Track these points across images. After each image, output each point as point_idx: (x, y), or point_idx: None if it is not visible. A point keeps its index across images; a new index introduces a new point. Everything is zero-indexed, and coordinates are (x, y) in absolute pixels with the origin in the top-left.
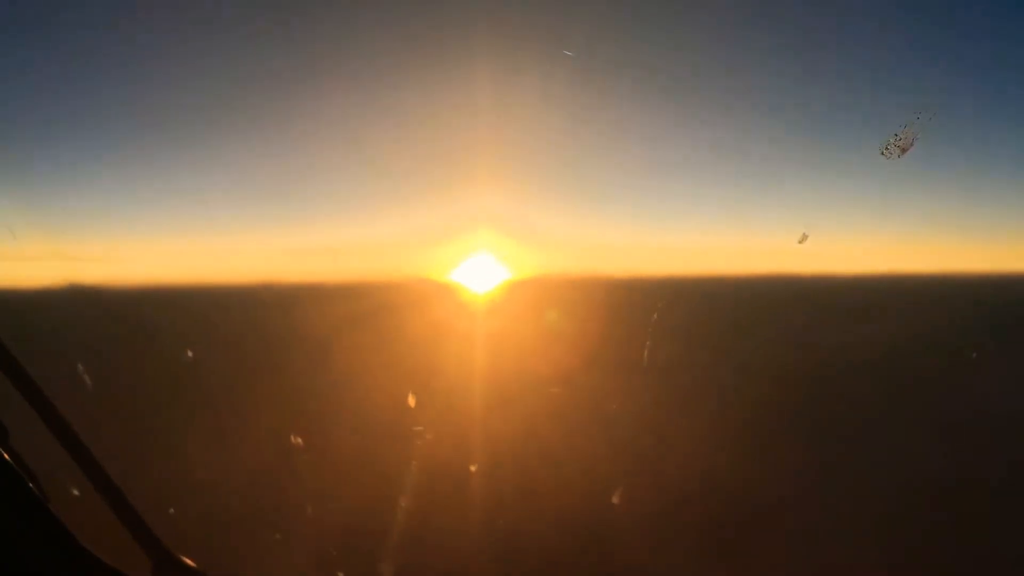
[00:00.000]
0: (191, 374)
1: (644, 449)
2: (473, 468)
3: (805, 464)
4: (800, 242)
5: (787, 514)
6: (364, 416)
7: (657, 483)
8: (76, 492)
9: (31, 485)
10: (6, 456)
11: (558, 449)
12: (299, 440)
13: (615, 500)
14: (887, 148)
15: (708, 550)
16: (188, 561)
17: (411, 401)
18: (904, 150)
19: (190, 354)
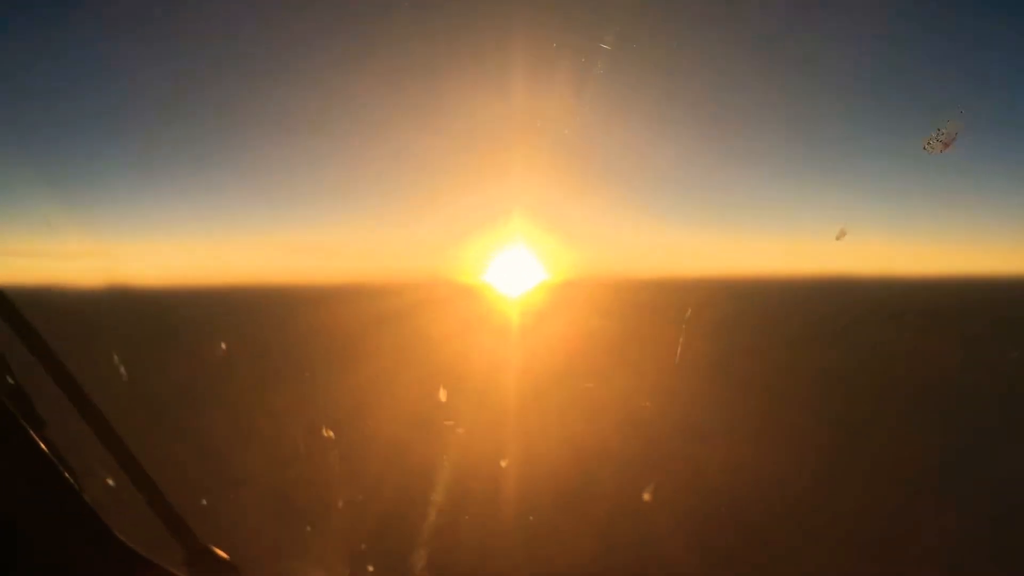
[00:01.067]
0: (226, 373)
1: (677, 446)
2: (504, 463)
3: (838, 461)
4: (838, 238)
5: (814, 514)
6: (395, 411)
7: (689, 480)
8: (111, 482)
9: (66, 475)
10: (43, 446)
11: (589, 445)
12: (330, 433)
13: (646, 497)
14: (930, 143)
15: (734, 547)
16: (220, 553)
17: (442, 396)
18: (947, 145)
19: (224, 347)
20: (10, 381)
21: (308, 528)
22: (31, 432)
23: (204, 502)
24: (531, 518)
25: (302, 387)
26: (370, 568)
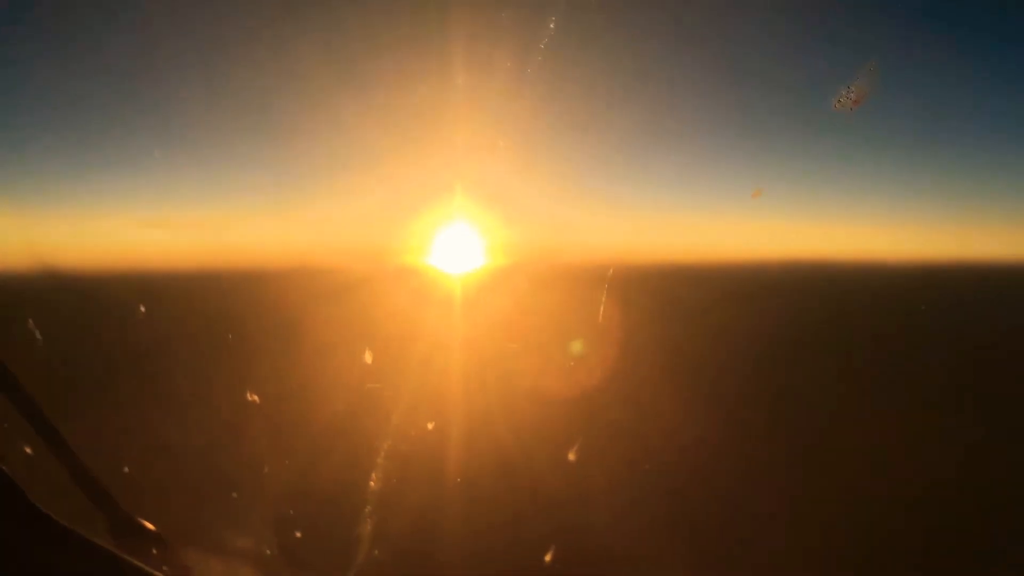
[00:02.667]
0: (153, 349)
1: (598, 407)
2: (430, 426)
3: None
4: (754, 197)
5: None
6: (324, 381)
7: (612, 441)
8: (29, 451)
9: None
10: None
11: (514, 407)
12: (255, 398)
13: (571, 457)
14: (839, 101)
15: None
16: (146, 523)
17: (368, 358)
18: (857, 103)
19: (143, 309)
20: None
21: (234, 495)
22: None
23: (127, 470)
24: (458, 480)
25: (233, 361)
26: (297, 534)
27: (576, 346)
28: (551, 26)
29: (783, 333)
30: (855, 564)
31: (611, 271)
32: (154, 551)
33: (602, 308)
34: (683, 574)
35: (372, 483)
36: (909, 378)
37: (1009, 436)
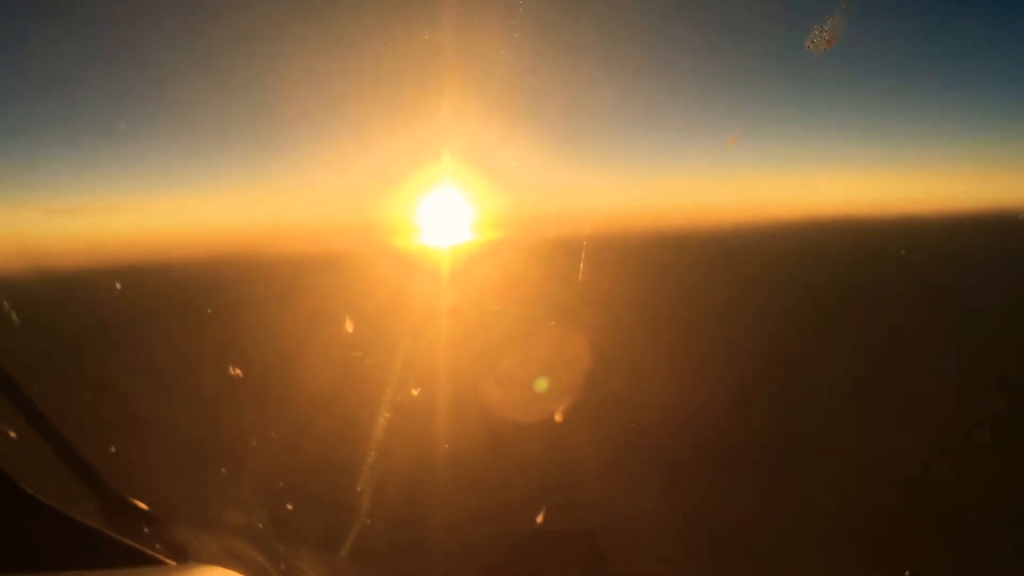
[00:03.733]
0: (135, 331)
1: (577, 372)
2: (415, 392)
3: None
4: (729, 143)
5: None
6: (304, 351)
7: (591, 404)
8: (13, 434)
9: None
10: None
11: (499, 372)
12: (238, 372)
13: (557, 418)
14: (813, 40)
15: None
16: (136, 503)
17: (349, 327)
18: (830, 42)
19: (119, 286)
20: None
21: (223, 470)
22: None
23: (113, 449)
24: (446, 445)
25: (216, 338)
26: (289, 506)
27: (557, 314)
28: None
29: (768, 298)
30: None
31: (585, 241)
32: (146, 529)
33: (580, 276)
34: (669, 544)
35: (361, 453)
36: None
37: None
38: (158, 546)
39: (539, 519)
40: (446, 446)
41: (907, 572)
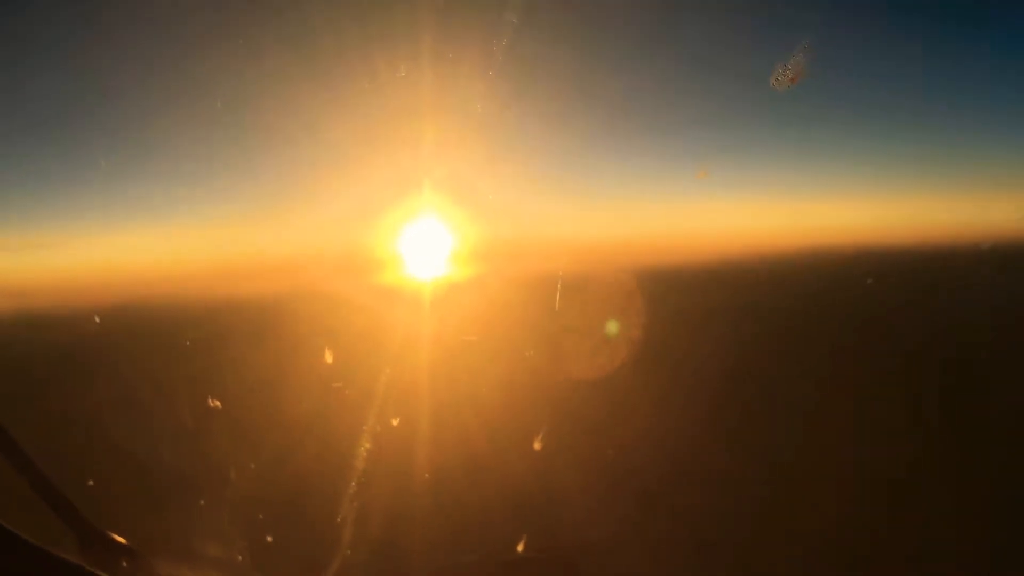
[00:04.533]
0: (113, 361)
1: (564, 400)
2: (395, 422)
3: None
4: (698, 177)
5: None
6: (283, 382)
7: (575, 433)
8: None
9: None
10: None
11: (482, 405)
12: (217, 404)
13: (537, 446)
14: (777, 78)
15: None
16: (114, 536)
17: (328, 358)
18: (794, 80)
19: (97, 320)
20: None
21: (201, 502)
22: None
23: (91, 483)
24: (426, 475)
25: (194, 369)
26: (269, 538)
27: (536, 344)
28: (515, 21)
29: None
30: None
31: (561, 273)
32: (124, 563)
33: (558, 306)
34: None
35: (342, 484)
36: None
37: None
38: None
39: (520, 547)
40: (426, 475)
41: None
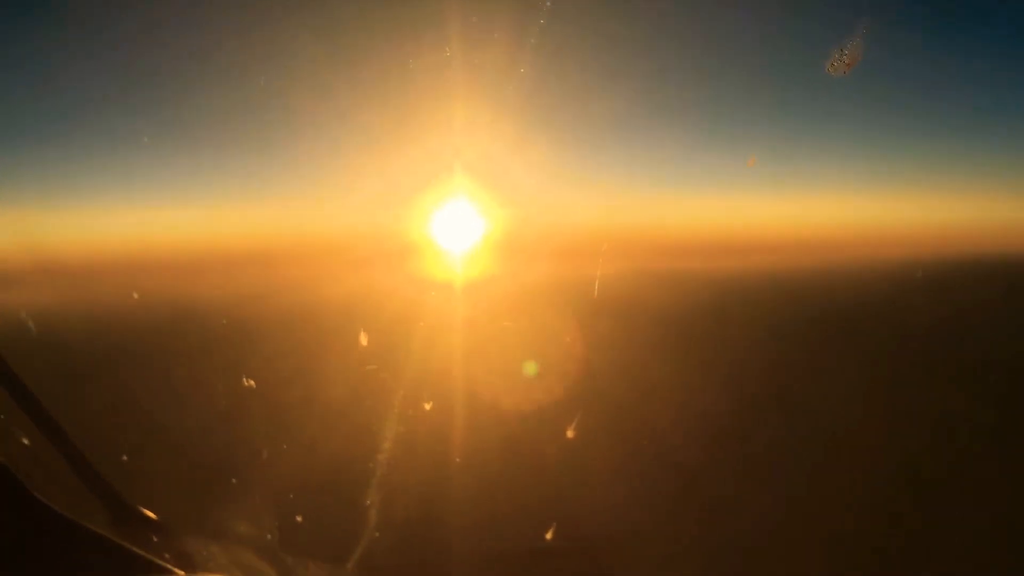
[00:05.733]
0: (148, 340)
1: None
2: (427, 406)
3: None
4: (749, 165)
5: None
6: (317, 362)
7: (608, 419)
8: (26, 441)
9: None
10: None
11: (510, 385)
12: (251, 383)
13: (569, 434)
14: (833, 64)
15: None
16: (146, 511)
17: (363, 340)
18: (850, 65)
19: (136, 295)
20: None
21: (233, 480)
22: None
23: (125, 459)
24: (457, 459)
25: (230, 348)
26: (298, 518)
27: (572, 329)
28: (548, 3)
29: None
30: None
31: (601, 257)
32: (154, 538)
33: (595, 292)
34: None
35: (372, 466)
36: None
37: None
38: (167, 555)
39: (549, 535)
40: (457, 460)
41: None
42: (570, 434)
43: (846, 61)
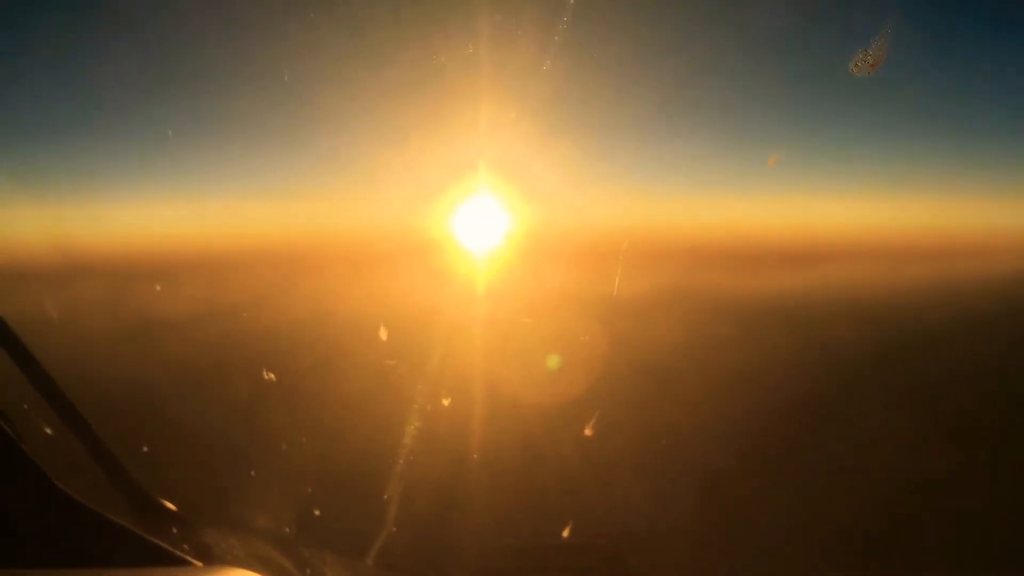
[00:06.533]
0: (170, 332)
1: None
2: (446, 402)
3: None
4: (770, 165)
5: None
6: (337, 357)
7: (628, 418)
8: (49, 431)
9: (6, 428)
10: None
11: (532, 384)
12: (272, 376)
13: (588, 432)
14: (857, 64)
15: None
16: (166, 503)
17: (383, 335)
18: (875, 66)
19: (158, 288)
20: None
21: (252, 473)
22: None
23: (146, 450)
24: (476, 455)
25: (251, 341)
26: (316, 512)
27: (593, 327)
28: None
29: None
30: None
31: (622, 256)
32: (174, 530)
33: (616, 290)
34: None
35: (391, 461)
36: None
37: None
38: (185, 547)
39: (566, 532)
40: (476, 456)
41: None
42: (588, 432)
43: (870, 62)
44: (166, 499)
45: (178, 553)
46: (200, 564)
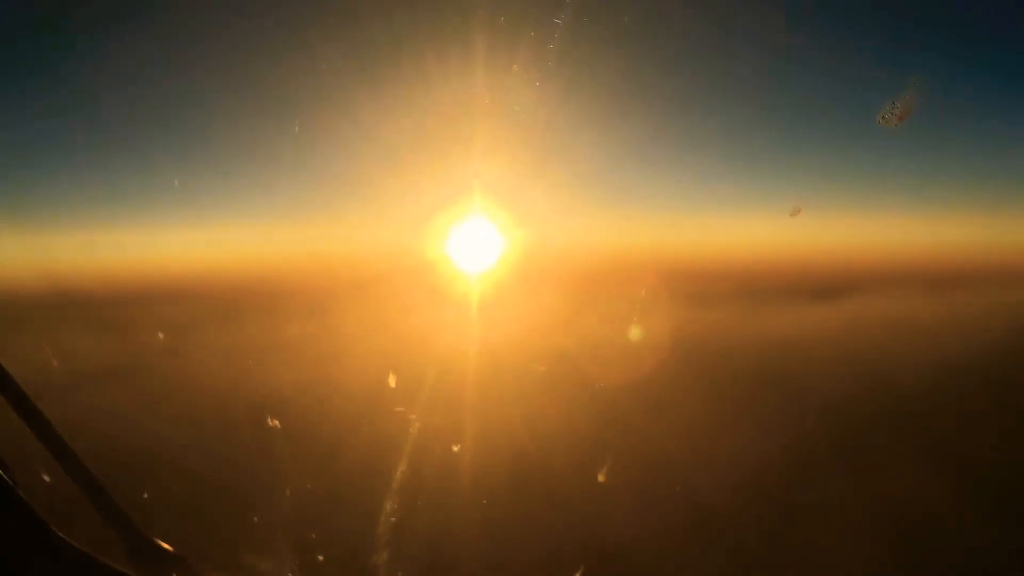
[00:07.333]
0: (170, 370)
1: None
2: (456, 448)
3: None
4: (792, 215)
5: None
6: (342, 399)
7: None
8: (46, 478)
9: (0, 471)
10: None
11: (539, 426)
12: (276, 423)
13: (601, 478)
14: (884, 116)
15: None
16: (165, 545)
17: (391, 382)
18: (903, 117)
19: (160, 336)
20: None
21: (255, 518)
22: None
23: (146, 495)
24: (484, 501)
25: (252, 376)
26: (320, 557)
27: (600, 364)
28: (563, 25)
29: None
30: None
31: (621, 282)
32: (173, 573)
33: (614, 308)
34: None
35: (395, 508)
36: None
37: None
38: None
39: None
40: (484, 502)
41: None
42: (601, 478)
43: (897, 112)
44: (166, 543)
45: None
46: None
